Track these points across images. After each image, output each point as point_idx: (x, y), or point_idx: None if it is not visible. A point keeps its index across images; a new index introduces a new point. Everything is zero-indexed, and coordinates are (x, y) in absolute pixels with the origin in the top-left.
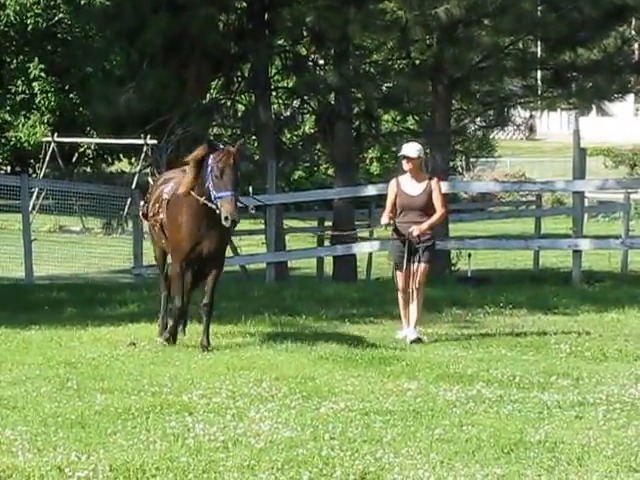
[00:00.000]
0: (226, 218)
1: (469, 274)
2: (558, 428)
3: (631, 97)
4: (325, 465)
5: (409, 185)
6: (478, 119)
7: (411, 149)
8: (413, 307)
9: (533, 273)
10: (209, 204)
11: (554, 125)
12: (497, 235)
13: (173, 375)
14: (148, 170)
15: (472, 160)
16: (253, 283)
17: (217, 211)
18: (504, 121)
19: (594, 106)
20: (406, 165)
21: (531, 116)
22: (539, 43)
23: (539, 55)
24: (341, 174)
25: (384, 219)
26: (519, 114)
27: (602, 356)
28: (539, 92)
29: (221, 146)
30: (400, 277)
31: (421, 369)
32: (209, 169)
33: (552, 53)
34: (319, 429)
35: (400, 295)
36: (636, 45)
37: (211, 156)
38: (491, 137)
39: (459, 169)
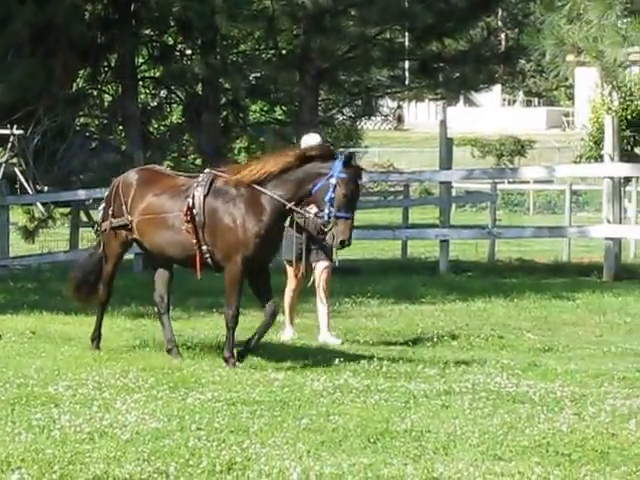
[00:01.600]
0: (342, 241)
1: (337, 264)
2: (424, 417)
3: (498, 87)
4: (192, 456)
5: None
6: (346, 109)
7: (316, 139)
8: (323, 308)
9: (401, 263)
10: (304, 212)
11: (422, 115)
12: (365, 225)
13: (39, 367)
14: (15, 160)
15: (340, 150)
16: (120, 273)
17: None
18: (372, 111)
19: (461, 96)
20: None
21: (399, 106)
22: (406, 34)
23: (406, 45)
24: (208, 164)
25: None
26: (387, 104)
27: (469, 345)
28: (406, 82)
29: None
30: (294, 275)
31: (288, 359)
32: (332, 180)
33: (419, 43)
34: (186, 420)
35: (291, 295)
36: (503, 36)
37: (338, 166)
38: (359, 127)
39: None
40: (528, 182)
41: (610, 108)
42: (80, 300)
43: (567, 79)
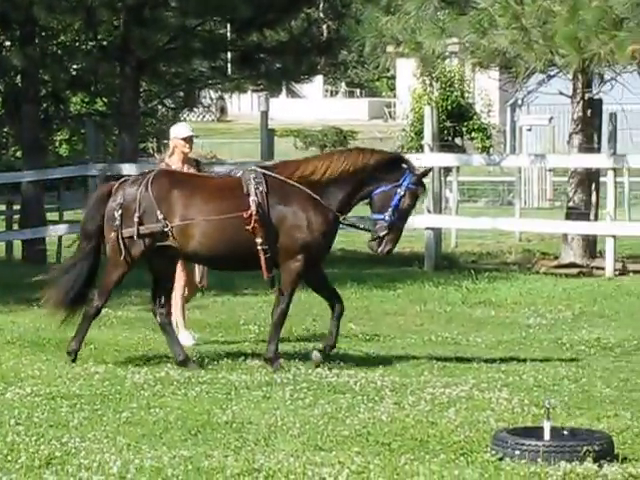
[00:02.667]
0: (389, 250)
1: None
2: (245, 408)
3: (320, 78)
4: (10, 451)
5: (184, 169)
6: (167, 100)
7: (186, 129)
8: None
9: None
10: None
11: (245, 106)
12: None
13: None
14: None
15: (164, 142)
16: None
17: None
18: (193, 102)
19: (283, 87)
20: (187, 147)
21: (221, 97)
22: (227, 25)
23: (228, 37)
24: (29, 157)
25: None
26: (209, 95)
27: (290, 335)
28: (228, 74)
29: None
30: (183, 276)
31: (109, 352)
32: (401, 190)
33: (240, 35)
34: (4, 414)
35: (183, 295)
36: (324, 27)
37: (410, 178)
38: (182, 118)
39: (150, 150)
40: None
41: (431, 99)
42: (65, 310)
43: (388, 70)
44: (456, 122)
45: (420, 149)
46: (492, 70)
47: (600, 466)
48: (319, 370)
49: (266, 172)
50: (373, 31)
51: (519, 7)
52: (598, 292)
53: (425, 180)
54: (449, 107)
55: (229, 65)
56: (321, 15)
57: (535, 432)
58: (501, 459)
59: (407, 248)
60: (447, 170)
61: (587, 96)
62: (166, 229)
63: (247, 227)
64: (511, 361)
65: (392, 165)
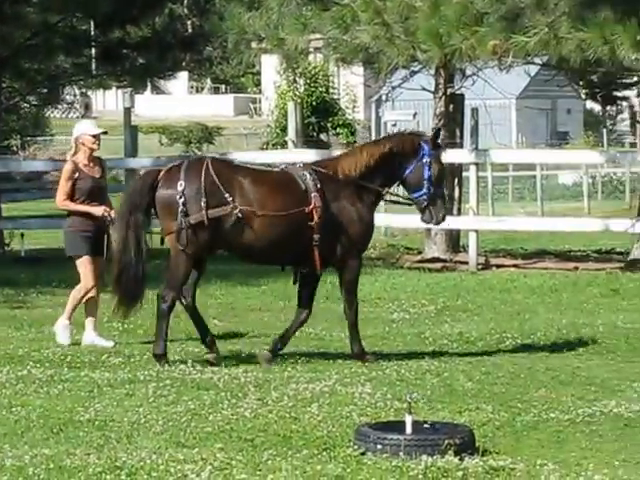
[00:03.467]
0: (444, 217)
1: (23, 254)
2: (108, 406)
3: (185, 75)
4: None
5: (91, 167)
6: (30, 97)
7: (90, 126)
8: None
9: None
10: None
11: (110, 103)
12: (51, 214)
13: None
14: None
15: (27, 139)
16: None
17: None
18: (57, 99)
19: (148, 84)
20: (96, 145)
21: (85, 94)
22: (90, 21)
23: (91, 33)
24: None
25: (98, 210)
26: (73, 92)
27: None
28: (91, 70)
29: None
30: (89, 274)
31: None
32: (425, 159)
33: (103, 31)
34: None
35: (88, 294)
36: (188, 23)
37: (427, 146)
38: (45, 115)
39: (14, 148)
40: None
41: (295, 95)
42: (130, 306)
43: (253, 66)
44: (321, 118)
45: (285, 145)
46: (355, 66)
47: (461, 459)
48: (182, 367)
49: (317, 169)
50: (236, 27)
51: (381, 3)
52: (461, 286)
53: None
54: (314, 103)
55: (92, 61)
56: (185, 11)
57: (397, 426)
58: (363, 453)
59: None
60: None
61: (449, 91)
62: (235, 211)
63: (309, 223)
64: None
65: (407, 144)
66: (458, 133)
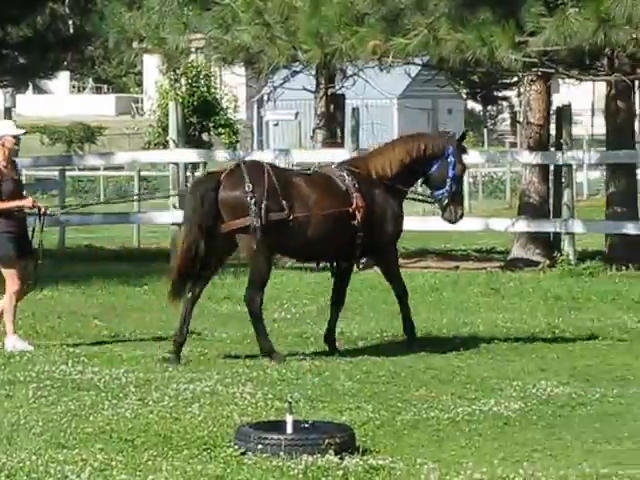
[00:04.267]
0: (462, 214)
1: None
2: None
3: (67, 74)
4: None
5: (9, 169)
6: None
7: (8, 126)
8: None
9: None
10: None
11: None
12: None
13: None
14: None
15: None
16: None
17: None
18: None
19: (30, 83)
20: (16, 145)
21: None
22: None
23: None
24: None
25: (28, 202)
26: None
27: (35, 333)
28: None
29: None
30: (15, 276)
31: None
32: (450, 159)
33: None
34: None
35: (15, 297)
36: (70, 22)
37: (452, 146)
38: None
39: None
40: (99, 169)
41: (177, 94)
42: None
43: (135, 66)
44: (202, 118)
45: (166, 145)
46: (237, 66)
47: (341, 458)
48: (63, 367)
49: (352, 169)
50: (116, 27)
51: (261, 3)
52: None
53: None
54: (195, 103)
55: None
56: (66, 10)
57: (278, 426)
58: (244, 453)
59: (154, 244)
60: (195, 166)
61: (330, 91)
62: (292, 214)
63: (352, 221)
64: (256, 356)
65: (436, 143)
66: (339, 133)
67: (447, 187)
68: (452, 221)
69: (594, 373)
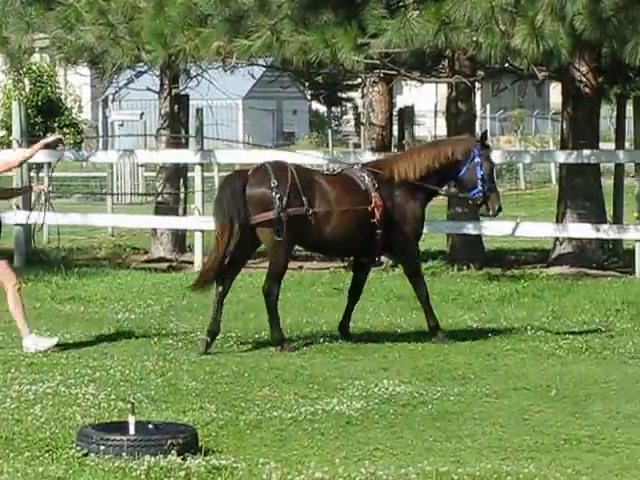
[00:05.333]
0: (500, 208)
1: None
2: None
3: None
4: None
5: None
6: None
7: None
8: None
9: None
10: (463, 195)
11: None
12: None
13: None
14: None
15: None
16: None
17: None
18: None
19: None
20: None
21: None
22: None
23: None
24: None
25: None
26: None
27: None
28: None
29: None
30: (9, 270)
31: None
32: (477, 159)
33: None
34: None
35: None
36: None
37: (477, 147)
38: None
39: None
40: None
41: (22, 94)
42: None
43: None
44: (47, 118)
45: (10, 145)
46: (81, 66)
47: (184, 459)
48: None
49: (373, 170)
50: None
51: (105, 3)
52: (187, 286)
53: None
54: (39, 103)
55: None
56: None
57: (120, 427)
58: (86, 455)
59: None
60: (39, 166)
61: (174, 92)
62: (310, 211)
63: (372, 220)
64: (99, 356)
65: (461, 147)
66: (183, 133)
67: (479, 187)
68: (490, 215)
69: (435, 372)
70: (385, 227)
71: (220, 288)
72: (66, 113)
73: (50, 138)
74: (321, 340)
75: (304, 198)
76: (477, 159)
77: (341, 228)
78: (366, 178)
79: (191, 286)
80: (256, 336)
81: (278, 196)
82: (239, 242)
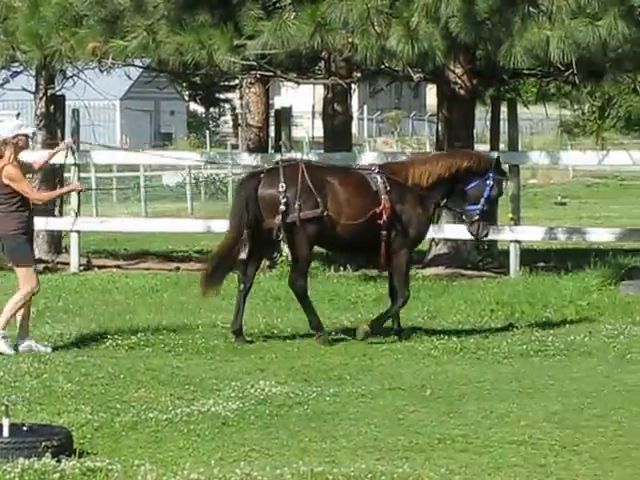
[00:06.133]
0: (486, 235)
1: None
2: None
3: None
4: None
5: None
6: None
7: (24, 125)
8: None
9: None
10: (459, 210)
11: None
12: None
13: None
14: None
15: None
16: None
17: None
18: None
19: None
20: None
21: None
22: None
23: None
24: None
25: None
26: None
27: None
28: None
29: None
30: (34, 276)
31: None
32: (489, 181)
33: None
34: None
35: (29, 297)
36: None
37: (493, 170)
38: None
39: None
40: None
41: None
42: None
43: None
44: None
45: None
46: None
47: (59, 461)
48: None
49: (387, 173)
50: None
51: None
52: (62, 287)
53: None
54: None
55: None
56: None
57: None
58: None
59: None
60: None
61: (50, 92)
62: (325, 212)
63: (379, 221)
64: None
65: (482, 164)
66: (59, 134)
67: (480, 206)
68: (476, 236)
69: (311, 372)
70: (389, 229)
71: (242, 286)
72: None
73: (75, 186)
74: (198, 341)
75: (317, 199)
76: (490, 181)
77: (350, 228)
78: (379, 179)
79: (200, 289)
80: (132, 337)
81: (285, 200)
82: (257, 243)
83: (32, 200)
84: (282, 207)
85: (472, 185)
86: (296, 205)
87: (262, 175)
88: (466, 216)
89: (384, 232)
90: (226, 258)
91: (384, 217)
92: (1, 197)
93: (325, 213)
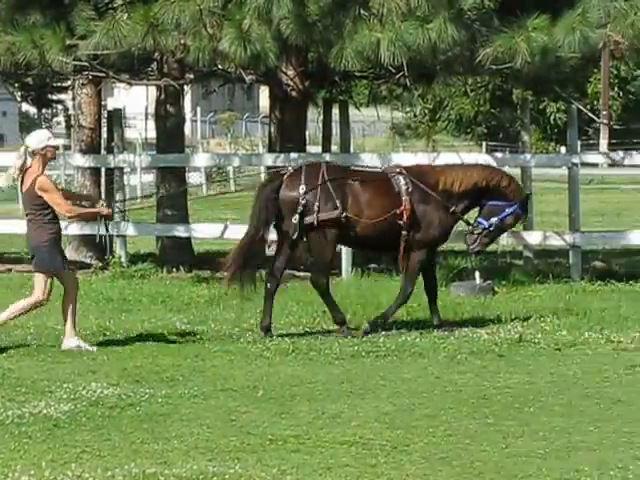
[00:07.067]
0: (479, 251)
1: None
2: None
3: None
4: None
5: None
6: None
7: (52, 137)
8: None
9: None
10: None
11: None
12: None
13: None
14: None
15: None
16: None
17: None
18: None
19: None
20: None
21: None
22: None
23: None
24: None
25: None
26: None
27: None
28: None
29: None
30: (48, 289)
31: None
32: (511, 209)
33: None
34: None
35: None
36: None
37: (521, 205)
38: None
39: None
40: None
41: None
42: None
43: None
44: None
45: None
46: None
47: None
48: None
49: (409, 175)
50: None
51: None
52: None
53: None
54: None
55: None
56: None
57: None
58: None
59: None
60: None
61: None
62: (344, 213)
63: (399, 221)
64: None
65: (514, 190)
66: None
67: (488, 223)
68: (470, 248)
69: (144, 374)
70: (409, 230)
71: (269, 285)
72: None
73: (103, 210)
74: (29, 343)
75: (336, 201)
76: (513, 209)
77: (371, 227)
78: (402, 180)
79: (231, 291)
80: None
81: (304, 202)
82: (282, 240)
83: (61, 213)
84: (300, 208)
85: (494, 203)
86: (315, 207)
87: (284, 177)
88: (472, 225)
89: (404, 232)
90: (249, 256)
91: (404, 218)
92: (34, 208)
93: (343, 214)
